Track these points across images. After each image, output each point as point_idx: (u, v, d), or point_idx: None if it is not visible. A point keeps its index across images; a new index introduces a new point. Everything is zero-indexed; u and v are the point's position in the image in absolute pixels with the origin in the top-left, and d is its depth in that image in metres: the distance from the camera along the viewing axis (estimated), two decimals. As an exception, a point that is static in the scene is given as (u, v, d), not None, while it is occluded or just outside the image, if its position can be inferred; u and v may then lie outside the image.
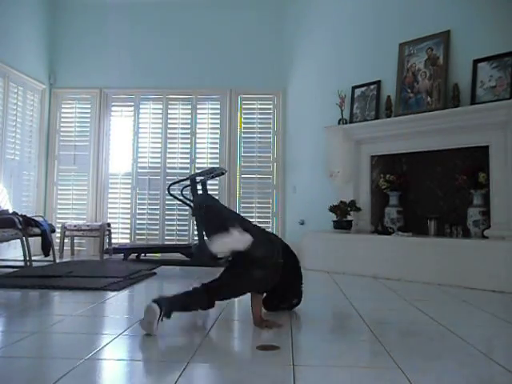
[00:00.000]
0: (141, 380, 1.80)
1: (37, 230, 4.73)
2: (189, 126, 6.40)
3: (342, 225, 5.00)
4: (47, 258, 4.93)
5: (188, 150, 6.39)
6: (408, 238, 4.48)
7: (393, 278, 4.29)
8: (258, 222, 6.09)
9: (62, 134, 6.48)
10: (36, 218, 4.86)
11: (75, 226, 5.97)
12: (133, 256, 5.59)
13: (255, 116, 6.38)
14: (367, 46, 5.24)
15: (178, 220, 6.27)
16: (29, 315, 2.84)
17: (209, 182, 5.74)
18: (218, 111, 6.40)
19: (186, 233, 6.27)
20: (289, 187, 6.16)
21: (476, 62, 4.35)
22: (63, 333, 2.38)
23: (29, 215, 4.90)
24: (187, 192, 5.77)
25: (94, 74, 6.41)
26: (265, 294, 2.73)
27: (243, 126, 6.36)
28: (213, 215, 2.69)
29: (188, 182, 5.59)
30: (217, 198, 6.16)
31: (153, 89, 6.40)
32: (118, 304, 3.17)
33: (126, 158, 6.42)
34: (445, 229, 4.65)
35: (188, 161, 6.38)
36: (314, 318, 2.75)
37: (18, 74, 5.69)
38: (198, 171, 6.01)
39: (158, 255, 5.95)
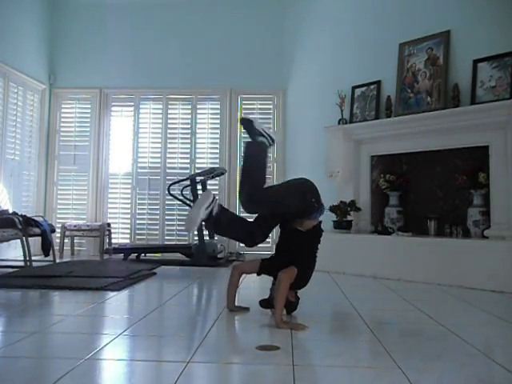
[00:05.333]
0: (141, 380, 1.80)
1: (37, 230, 4.73)
2: (189, 126, 6.40)
3: (342, 225, 5.00)
4: (47, 258, 4.92)
5: (188, 150, 6.39)
6: (408, 237, 4.48)
7: (393, 278, 4.29)
8: (258, 221, 6.08)
9: (62, 134, 6.48)
10: (36, 218, 4.86)
11: (75, 225, 5.97)
12: (133, 256, 5.60)
13: (255, 116, 6.38)
14: (367, 46, 5.24)
15: (178, 220, 6.27)
16: (29, 315, 2.84)
17: (209, 181, 5.80)
18: (218, 111, 6.40)
19: (186, 233, 6.27)
20: (289, 187, 6.15)
21: (476, 61, 4.35)
22: (63, 333, 2.38)
23: (29, 215, 4.90)
24: (187, 192, 5.79)
25: (93, 74, 6.41)
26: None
27: (243, 125, 6.35)
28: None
29: (188, 182, 5.62)
30: (217, 197, 6.19)
31: (153, 89, 6.40)
32: (118, 304, 3.17)
33: (125, 158, 6.42)
34: (445, 229, 4.65)
35: (188, 161, 6.38)
36: (313, 318, 2.74)
37: (18, 73, 5.69)
38: (198, 171, 6.03)
39: (158, 255, 5.96)
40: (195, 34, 6.37)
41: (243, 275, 2.95)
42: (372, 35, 5.21)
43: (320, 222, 2.80)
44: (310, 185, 2.78)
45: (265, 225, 2.80)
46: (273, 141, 2.85)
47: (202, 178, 5.63)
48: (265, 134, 2.79)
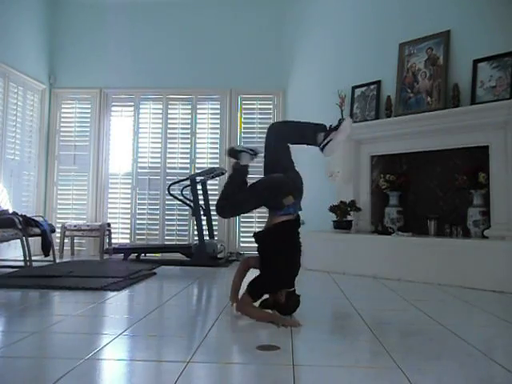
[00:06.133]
0: (141, 380, 1.80)
1: (37, 230, 4.73)
2: (189, 126, 6.40)
3: (342, 225, 5.00)
4: (47, 258, 4.93)
5: (188, 150, 6.39)
6: (408, 237, 4.48)
7: (393, 278, 4.29)
8: (259, 221, 6.09)
9: (62, 134, 6.48)
10: (36, 218, 4.86)
11: (75, 226, 5.97)
12: (133, 256, 5.60)
13: (255, 116, 6.38)
14: (367, 46, 5.24)
15: (178, 220, 6.27)
16: (29, 315, 2.84)
17: (209, 181, 5.80)
18: (218, 111, 6.40)
19: (186, 233, 6.27)
20: (289, 187, 6.14)
21: (476, 61, 4.35)
22: (63, 333, 2.38)
23: (29, 215, 4.90)
24: (187, 192, 5.79)
25: (94, 74, 6.41)
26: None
27: (243, 126, 6.36)
28: None
29: (188, 182, 5.62)
30: (217, 198, 6.19)
31: (153, 89, 6.40)
32: (118, 304, 3.17)
33: (125, 158, 6.42)
34: (445, 229, 4.65)
35: (188, 161, 6.38)
36: (314, 318, 2.74)
37: (18, 73, 5.69)
38: (198, 171, 6.03)
39: (158, 255, 5.96)
40: (195, 34, 6.36)
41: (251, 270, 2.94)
42: (372, 35, 5.21)
43: (293, 221, 2.76)
44: (276, 182, 2.81)
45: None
46: (255, 153, 3.03)
47: (202, 177, 5.64)
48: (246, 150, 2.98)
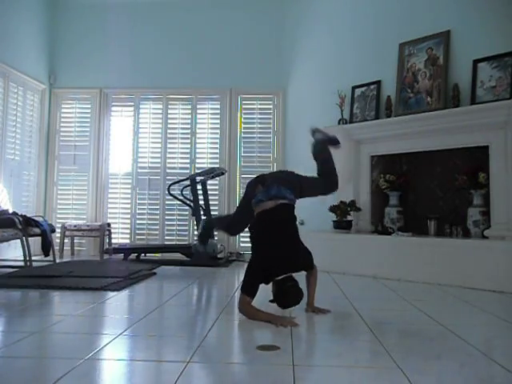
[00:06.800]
0: (141, 380, 1.80)
1: (37, 230, 4.72)
2: (189, 126, 6.40)
3: (342, 225, 5.00)
4: (47, 258, 4.92)
5: (188, 150, 6.39)
6: (408, 238, 4.48)
7: (393, 278, 4.29)
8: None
9: (62, 134, 6.48)
10: (36, 218, 4.86)
11: (75, 226, 5.97)
12: (133, 256, 5.60)
13: (255, 116, 6.38)
14: (367, 46, 5.24)
15: (178, 220, 6.27)
16: (29, 315, 2.84)
17: (209, 181, 5.80)
18: (218, 111, 6.40)
19: (186, 233, 6.27)
20: (289, 187, 6.14)
21: (476, 61, 4.35)
22: (63, 333, 2.38)
23: (29, 215, 4.90)
24: (187, 192, 5.79)
25: (94, 74, 6.41)
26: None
27: (243, 125, 6.36)
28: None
29: (188, 182, 5.62)
30: (217, 198, 6.19)
31: (153, 89, 6.40)
32: (117, 304, 3.17)
33: (125, 157, 6.42)
34: (445, 229, 4.65)
35: (188, 161, 6.38)
36: (313, 318, 2.75)
37: (18, 74, 5.69)
38: (198, 171, 6.03)
39: (157, 255, 5.96)
40: (195, 34, 6.36)
41: None
42: (372, 35, 5.21)
43: (269, 211, 2.78)
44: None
45: None
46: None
47: (202, 177, 5.64)
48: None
